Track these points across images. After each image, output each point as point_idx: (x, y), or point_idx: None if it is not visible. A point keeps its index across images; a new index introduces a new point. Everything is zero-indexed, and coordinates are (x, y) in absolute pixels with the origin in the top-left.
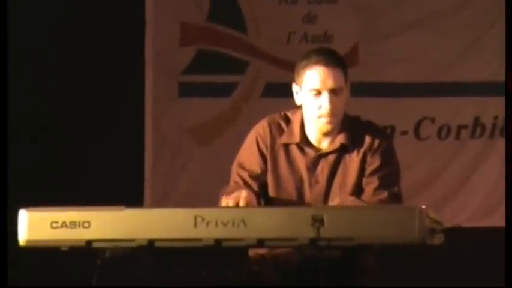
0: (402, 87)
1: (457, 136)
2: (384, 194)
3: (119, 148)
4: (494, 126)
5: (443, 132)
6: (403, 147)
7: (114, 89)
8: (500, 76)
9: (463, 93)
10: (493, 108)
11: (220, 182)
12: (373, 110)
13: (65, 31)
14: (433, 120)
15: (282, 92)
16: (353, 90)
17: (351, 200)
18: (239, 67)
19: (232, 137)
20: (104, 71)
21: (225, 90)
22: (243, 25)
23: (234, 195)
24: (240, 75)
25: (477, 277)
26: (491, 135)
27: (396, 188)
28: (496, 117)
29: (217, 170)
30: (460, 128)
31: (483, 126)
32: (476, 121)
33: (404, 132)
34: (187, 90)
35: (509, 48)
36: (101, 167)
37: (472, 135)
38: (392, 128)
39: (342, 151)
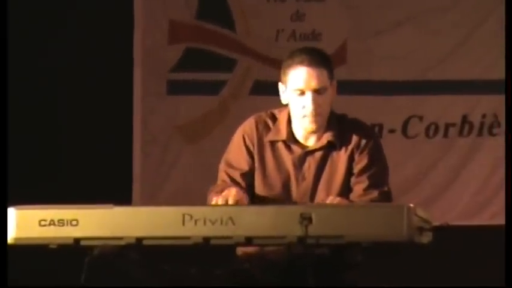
0: (390, 85)
1: (445, 134)
2: (374, 194)
3: (108, 146)
4: (482, 124)
5: (431, 130)
6: (391, 146)
7: (103, 86)
8: (488, 74)
9: (451, 91)
10: (481, 106)
11: (209, 180)
12: (361, 108)
13: (54, 29)
14: (421, 118)
15: (271, 89)
16: (341, 88)
17: (338, 201)
18: (228, 65)
19: (221, 135)
20: (92, 69)
21: (213, 88)
22: (231, 23)
23: (224, 193)
24: (229, 73)
25: (465, 276)
26: (480, 134)
27: (386, 187)
28: (484, 116)
29: (206, 167)
30: (448, 126)
31: (471, 125)
32: (464, 119)
33: (392, 131)
34: (175, 88)
35: (509, 48)
36: (90, 164)
37: (460, 133)
38: (380, 126)
39: (329, 148)
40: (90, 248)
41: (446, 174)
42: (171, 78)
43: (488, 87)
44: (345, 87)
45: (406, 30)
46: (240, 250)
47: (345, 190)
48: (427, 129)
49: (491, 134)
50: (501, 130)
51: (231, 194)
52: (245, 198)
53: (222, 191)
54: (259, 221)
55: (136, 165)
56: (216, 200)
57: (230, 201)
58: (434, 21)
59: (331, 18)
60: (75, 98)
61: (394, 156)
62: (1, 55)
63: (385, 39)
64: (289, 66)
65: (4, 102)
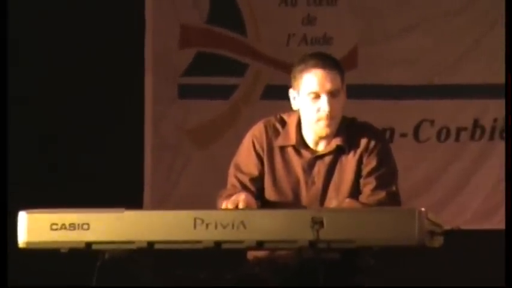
0: (401, 89)
1: (457, 138)
2: (382, 194)
3: (119, 150)
4: (493, 128)
5: (442, 134)
6: (403, 150)
7: (114, 90)
8: (500, 78)
9: (462, 95)
10: (492, 110)
11: (219, 184)
12: (372, 112)
13: (65, 33)
14: (432, 122)
15: (282, 94)
16: (352, 93)
17: (348, 202)
18: (238, 69)
19: (231, 139)
20: (103, 73)
21: (224, 92)
22: (242, 27)
23: (233, 198)
24: (240, 78)
25: (476, 280)
26: (491, 138)
27: (394, 188)
28: (495, 120)
29: (217, 172)
30: (459, 130)
31: (482, 129)
32: (476, 123)
33: (403, 135)
34: (186, 92)
35: (509, 50)
36: (101, 169)
37: (472, 137)
38: (392, 130)
39: (338, 152)
40: (102, 252)
41: (458, 178)
42: (182, 83)
43: (500, 91)
44: (356, 92)
45: (417, 35)
46: (251, 254)
47: (355, 194)
48: (439, 133)
49: (502, 138)
50: None
51: (241, 198)
52: (254, 203)
53: (231, 196)
54: (270, 225)
55: (148, 170)
56: (226, 204)
57: (240, 206)
58: (445, 25)
59: (342, 23)
60: (87, 102)
61: (405, 160)
62: (11, 60)
63: (396, 43)
64: (302, 70)
65: (5, 105)
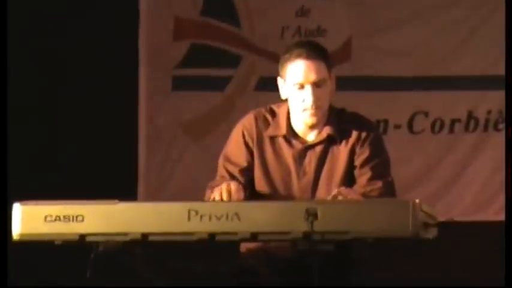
0: (395, 81)
1: (451, 130)
2: (379, 184)
3: (113, 142)
4: (487, 120)
5: (436, 126)
6: (397, 141)
7: (108, 83)
8: (493, 70)
9: (456, 87)
10: (486, 102)
11: (213, 176)
12: (366, 104)
13: (59, 25)
14: (426, 114)
15: (276, 85)
16: (346, 84)
17: (343, 190)
18: (232, 61)
19: (225, 131)
20: (97, 65)
21: (218, 84)
22: (236, 19)
23: (219, 187)
24: (234, 69)
25: (470, 271)
26: (485, 129)
27: (389, 177)
28: (489, 112)
29: (211, 163)
30: (453, 122)
31: (476, 120)
32: (470, 115)
33: (397, 126)
34: (181, 84)
35: (510, 45)
36: (95, 161)
37: (466, 129)
38: (386, 122)
39: (329, 142)
40: (96, 243)
41: (452, 170)
42: (176, 75)
43: (494, 83)
44: (350, 83)
45: (411, 27)
46: (243, 246)
47: (346, 184)
48: (433, 125)
49: (496, 129)
50: None
51: (231, 188)
52: (241, 190)
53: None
54: (264, 217)
55: (142, 161)
56: (213, 194)
57: (225, 197)
58: (439, 17)
59: (336, 15)
60: (81, 94)
61: (399, 152)
62: (1, 54)
63: (390, 35)
64: (287, 60)
65: (5, 99)
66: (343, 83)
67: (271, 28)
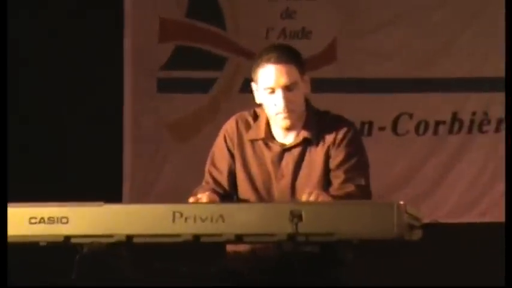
0: (380, 83)
1: (435, 132)
2: (351, 187)
3: (98, 144)
4: (472, 122)
5: (421, 128)
6: (381, 143)
7: (93, 84)
8: (478, 72)
9: (440, 89)
10: (471, 104)
11: (199, 178)
12: (351, 105)
13: (43, 27)
14: (411, 116)
15: None
16: (331, 86)
17: (315, 194)
18: (218, 63)
19: (211, 133)
20: (82, 67)
21: (203, 86)
22: (221, 21)
23: (195, 198)
24: (219, 71)
25: (454, 273)
26: (469, 131)
27: (363, 180)
28: (474, 113)
29: (197, 166)
30: (438, 123)
31: (461, 122)
32: (454, 117)
33: (382, 128)
34: (166, 86)
35: (510, 45)
36: (80, 163)
37: (450, 130)
38: (370, 123)
39: (306, 145)
40: (81, 245)
41: (437, 172)
42: (161, 77)
43: (478, 85)
44: (335, 85)
45: (396, 29)
46: (229, 248)
47: (324, 186)
48: (417, 126)
49: (481, 131)
50: (491, 127)
51: (201, 200)
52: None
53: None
54: (249, 219)
55: (127, 164)
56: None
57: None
58: (424, 19)
59: (321, 16)
60: (66, 96)
61: (384, 154)
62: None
63: (375, 37)
64: (258, 65)
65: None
66: (328, 85)
67: (257, 30)
